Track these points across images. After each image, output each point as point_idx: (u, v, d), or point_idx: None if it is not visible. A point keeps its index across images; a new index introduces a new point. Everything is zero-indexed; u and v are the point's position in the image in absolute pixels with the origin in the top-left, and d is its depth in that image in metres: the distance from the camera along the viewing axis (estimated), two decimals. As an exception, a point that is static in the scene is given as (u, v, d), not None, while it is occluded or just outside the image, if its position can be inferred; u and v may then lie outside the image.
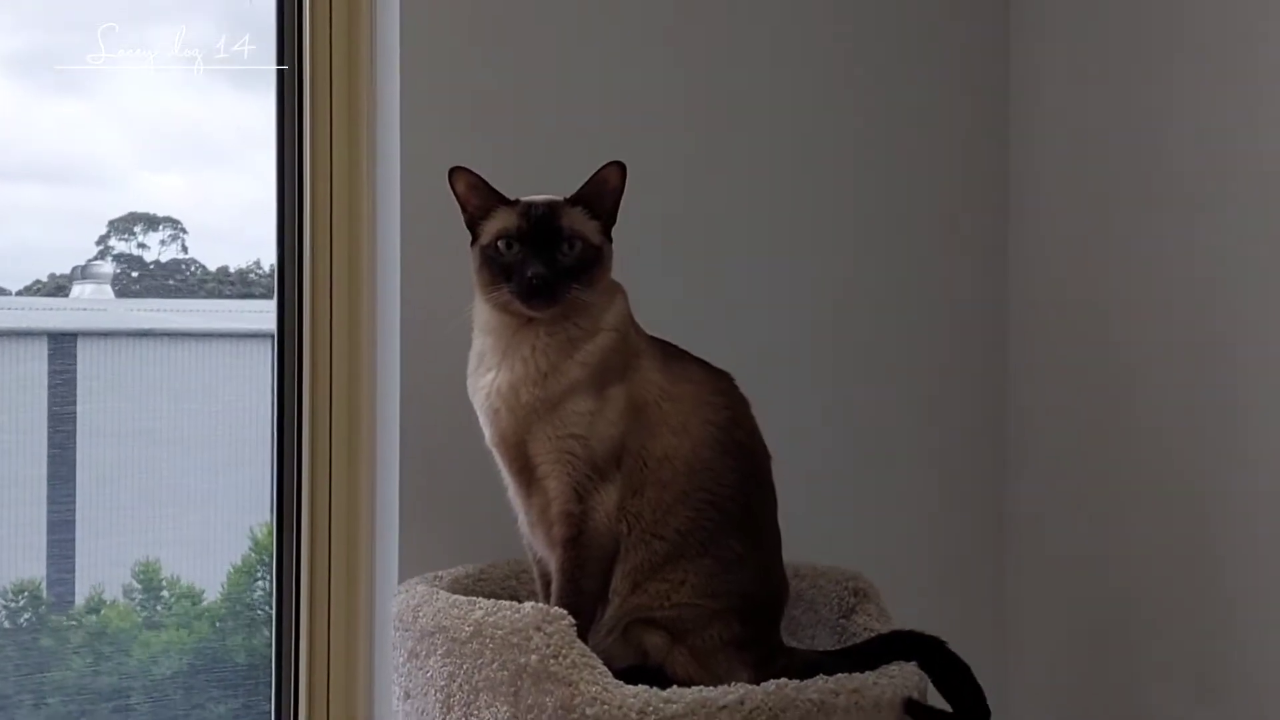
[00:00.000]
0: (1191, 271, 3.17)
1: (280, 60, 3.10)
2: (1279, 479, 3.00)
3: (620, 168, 2.52)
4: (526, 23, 3.11)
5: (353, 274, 3.06)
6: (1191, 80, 3.19)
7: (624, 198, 2.54)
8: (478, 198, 2.53)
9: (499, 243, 2.49)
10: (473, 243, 2.54)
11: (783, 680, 2.32)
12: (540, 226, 2.48)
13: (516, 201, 2.53)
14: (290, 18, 3.08)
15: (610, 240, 2.54)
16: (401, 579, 2.80)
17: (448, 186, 2.54)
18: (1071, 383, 3.46)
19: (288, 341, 3.08)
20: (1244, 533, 3.07)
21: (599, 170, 2.52)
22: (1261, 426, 3.02)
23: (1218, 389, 3.11)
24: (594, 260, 2.50)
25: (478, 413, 2.55)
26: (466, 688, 2.38)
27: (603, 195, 2.52)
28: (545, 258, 2.46)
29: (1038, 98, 3.56)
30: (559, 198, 2.53)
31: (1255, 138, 3.05)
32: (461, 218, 2.55)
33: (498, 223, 2.51)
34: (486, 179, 2.53)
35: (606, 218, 2.54)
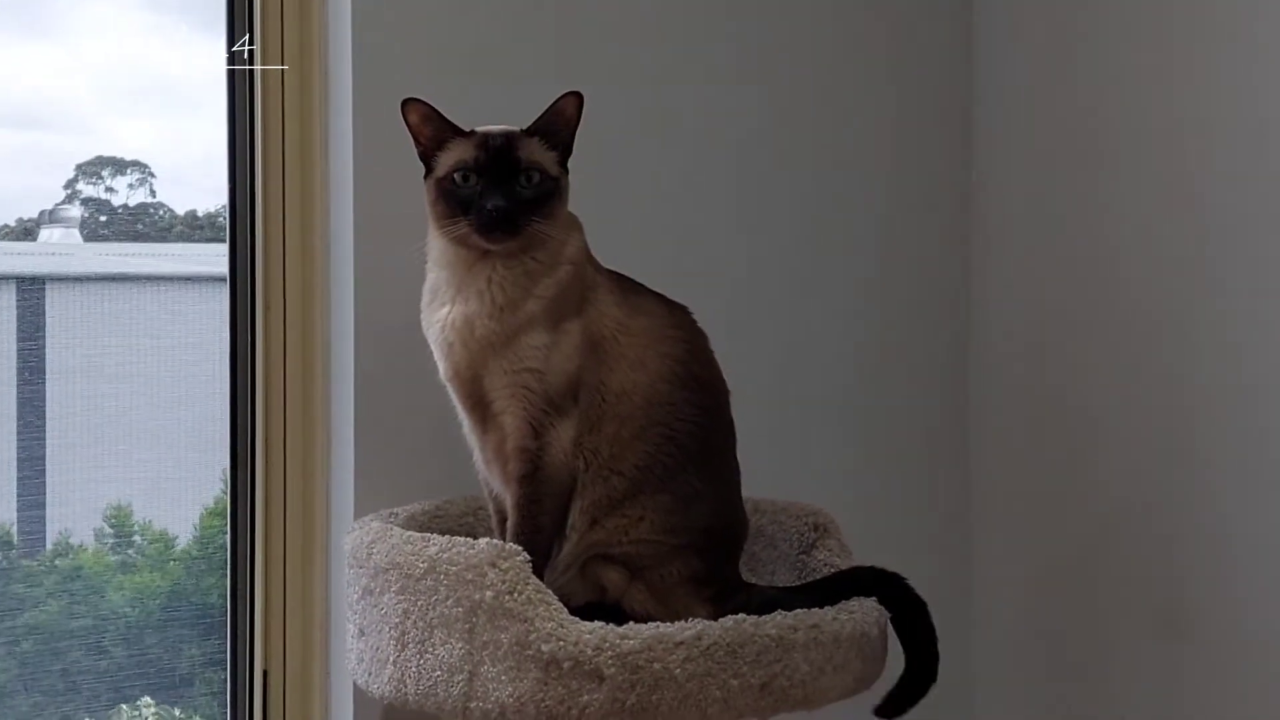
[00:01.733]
0: (1153, 253, 3.22)
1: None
2: (1246, 416, 3.01)
3: (577, 97, 2.48)
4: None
5: (305, 211, 3.03)
6: (1157, 84, 3.21)
7: (582, 128, 2.51)
8: (431, 129, 2.49)
9: (455, 175, 2.45)
10: (426, 175, 2.50)
11: (740, 616, 2.32)
12: (498, 158, 2.45)
13: (472, 133, 2.49)
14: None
15: (567, 172, 2.51)
16: (358, 517, 2.78)
17: (401, 119, 2.50)
18: (1035, 314, 3.47)
19: (239, 281, 3.05)
20: (1210, 469, 3.09)
21: (556, 100, 2.48)
22: (1228, 359, 3.05)
23: (1185, 323, 3.14)
24: (553, 192, 2.47)
25: (432, 348, 2.53)
26: (421, 624, 2.36)
27: (559, 126, 2.49)
28: (504, 189, 2.42)
29: (1002, 90, 3.56)
30: (516, 128, 2.49)
31: (1221, 140, 3.07)
32: (415, 151, 2.51)
33: (454, 155, 2.47)
34: (440, 110, 2.50)
35: (563, 149, 2.50)
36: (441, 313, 2.49)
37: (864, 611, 2.42)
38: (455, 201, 2.45)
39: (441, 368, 2.52)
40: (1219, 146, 3.07)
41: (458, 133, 2.49)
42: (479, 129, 2.50)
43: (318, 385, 3.04)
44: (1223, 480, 3.06)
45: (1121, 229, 3.26)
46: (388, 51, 2.97)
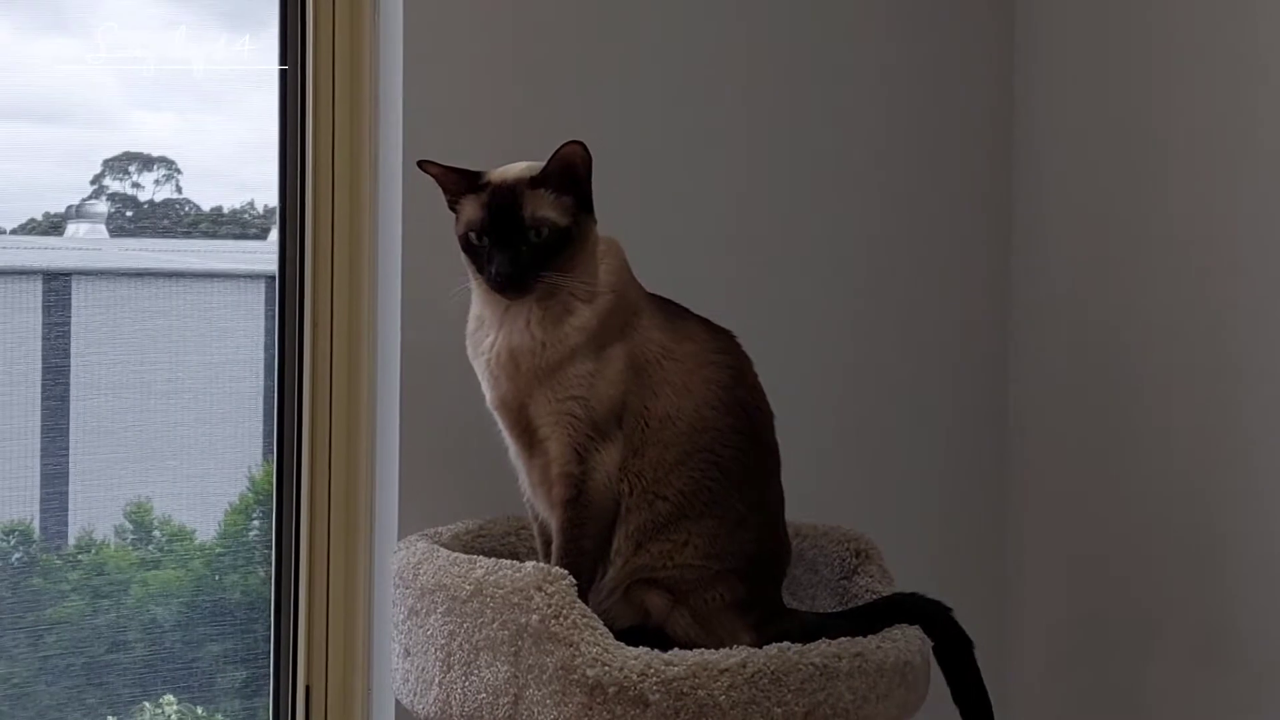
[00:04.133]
0: (1194, 259, 3.18)
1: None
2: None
3: (579, 145, 2.45)
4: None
5: (354, 230, 3.04)
6: (1198, 82, 3.18)
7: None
8: (450, 183, 2.51)
9: (470, 234, 2.47)
10: (455, 225, 2.53)
11: (785, 644, 2.33)
12: (501, 217, 2.44)
13: (486, 185, 2.48)
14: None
15: (589, 211, 2.50)
16: (401, 534, 2.80)
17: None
18: (1074, 345, 3.45)
19: (288, 301, 3.07)
20: (1245, 506, 3.08)
21: (558, 150, 2.45)
22: (1263, 405, 3.04)
23: (1220, 361, 3.12)
24: (564, 242, 2.45)
25: (478, 374, 2.54)
26: (466, 646, 2.38)
27: (567, 172, 2.46)
28: (509, 251, 2.43)
29: (1043, 91, 3.54)
30: (526, 175, 2.47)
31: (1260, 139, 3.05)
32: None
33: (466, 212, 2.49)
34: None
35: (578, 191, 2.48)
36: (486, 342, 2.51)
37: (907, 640, 2.43)
38: (473, 257, 2.48)
39: (488, 396, 2.54)
40: (1267, 143, 3.04)
41: (471, 186, 2.49)
42: (494, 176, 2.49)
43: (363, 403, 3.04)
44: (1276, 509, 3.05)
45: (1169, 260, 3.25)
46: (438, 65, 2.97)
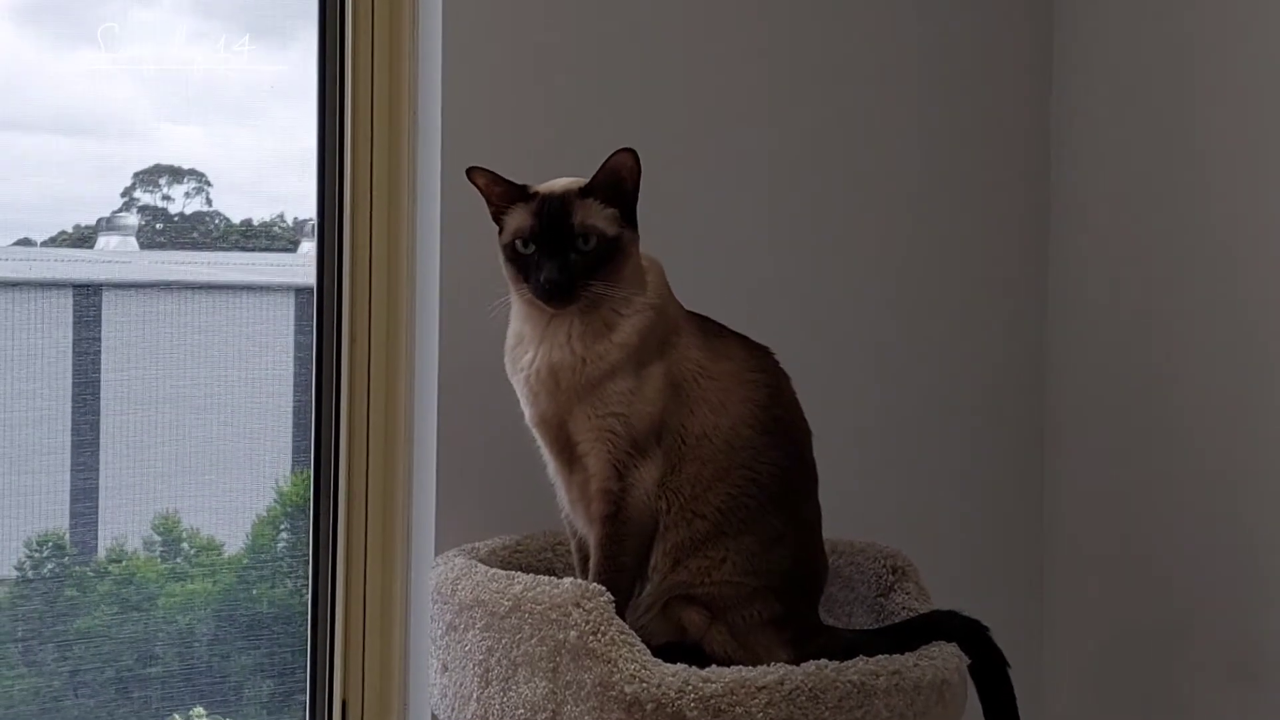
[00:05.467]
0: (1234, 267, 3.17)
1: (322, 9, 3.07)
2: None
3: (631, 153, 2.47)
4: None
5: (392, 244, 3.04)
6: (1236, 83, 3.17)
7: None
8: (497, 193, 2.52)
9: (516, 242, 2.48)
10: (499, 236, 2.54)
11: (823, 661, 2.34)
12: (551, 225, 2.46)
13: (534, 195, 2.50)
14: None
15: (633, 224, 2.51)
16: (438, 549, 2.81)
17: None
18: (1111, 364, 3.44)
19: (325, 317, 3.07)
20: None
21: (609, 158, 2.47)
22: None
23: (1258, 374, 3.11)
24: (612, 252, 2.47)
25: (517, 391, 2.56)
26: (505, 662, 2.39)
27: (616, 182, 2.48)
28: (559, 258, 2.44)
29: (1080, 98, 3.52)
30: (575, 186, 2.50)
31: None
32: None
33: (514, 220, 2.50)
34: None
35: (625, 203, 2.50)
36: (526, 359, 2.52)
37: (944, 658, 2.43)
38: (519, 266, 2.49)
39: (528, 413, 2.55)
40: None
41: (520, 195, 2.51)
42: (541, 189, 2.51)
43: (401, 417, 3.05)
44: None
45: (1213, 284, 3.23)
46: (477, 78, 2.97)
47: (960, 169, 3.48)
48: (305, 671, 3.09)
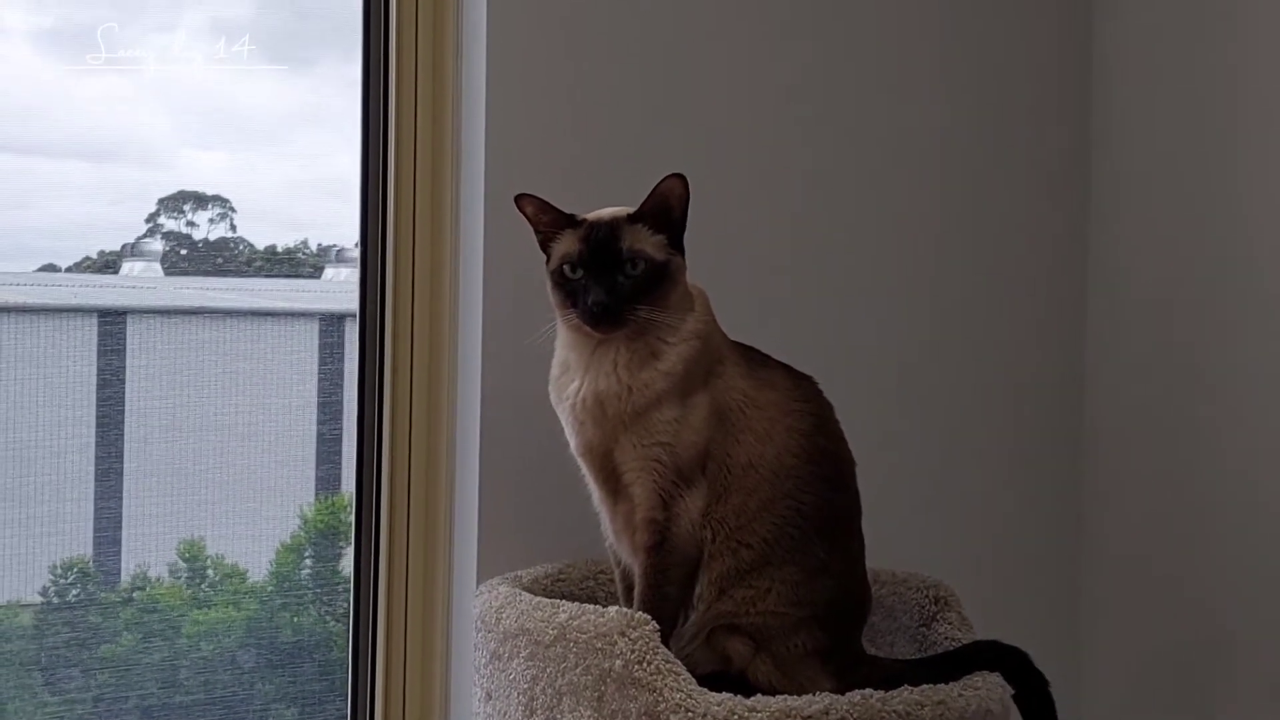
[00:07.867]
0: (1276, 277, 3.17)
1: (366, 37, 3.07)
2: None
3: (681, 179, 2.49)
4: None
5: (435, 274, 3.05)
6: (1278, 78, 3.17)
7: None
8: (545, 220, 2.53)
9: (564, 267, 2.49)
10: (546, 263, 2.54)
11: (867, 690, 2.33)
12: (600, 249, 2.47)
13: (582, 222, 2.51)
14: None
15: (681, 251, 2.52)
16: (480, 577, 2.81)
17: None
18: (1150, 392, 3.44)
19: (368, 344, 3.07)
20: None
21: (660, 183, 2.49)
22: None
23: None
24: (659, 277, 2.48)
25: (562, 420, 2.56)
26: (549, 691, 2.39)
27: (665, 208, 2.50)
28: (606, 282, 2.45)
29: (1120, 93, 3.52)
30: (623, 212, 2.51)
31: None
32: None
33: (562, 246, 2.51)
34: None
35: (673, 230, 2.51)
36: (571, 388, 2.52)
37: (988, 687, 2.43)
38: (566, 292, 2.49)
39: (573, 443, 2.55)
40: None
41: (568, 223, 2.52)
42: (589, 216, 2.52)
43: (443, 445, 3.05)
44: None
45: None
46: (521, 106, 2.98)
47: (996, 191, 3.50)
48: (346, 700, 3.09)
